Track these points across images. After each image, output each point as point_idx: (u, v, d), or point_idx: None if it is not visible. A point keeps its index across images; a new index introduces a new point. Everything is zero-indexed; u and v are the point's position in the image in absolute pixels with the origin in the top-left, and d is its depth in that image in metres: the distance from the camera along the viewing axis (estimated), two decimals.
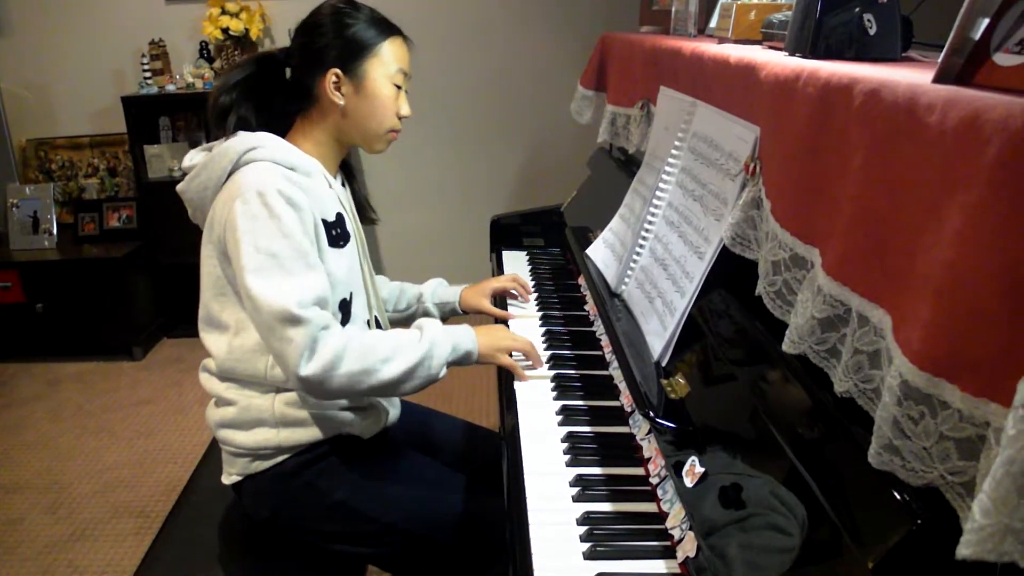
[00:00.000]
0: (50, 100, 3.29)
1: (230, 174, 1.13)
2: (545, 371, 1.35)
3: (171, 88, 3.05)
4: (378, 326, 1.35)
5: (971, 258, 0.52)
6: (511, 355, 1.31)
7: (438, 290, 1.58)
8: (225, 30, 3.00)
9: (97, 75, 3.24)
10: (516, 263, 1.93)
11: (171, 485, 2.26)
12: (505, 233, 2.05)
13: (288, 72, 1.23)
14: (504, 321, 1.55)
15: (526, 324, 1.54)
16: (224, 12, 3.00)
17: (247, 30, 3.01)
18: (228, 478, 1.22)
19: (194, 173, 1.17)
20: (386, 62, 1.22)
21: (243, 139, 1.15)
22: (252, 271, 1.06)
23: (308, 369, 1.05)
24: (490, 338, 1.28)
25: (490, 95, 3.26)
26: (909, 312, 0.59)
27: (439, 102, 3.20)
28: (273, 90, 1.24)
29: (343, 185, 1.32)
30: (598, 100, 2.02)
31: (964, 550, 0.45)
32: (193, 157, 1.21)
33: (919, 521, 0.58)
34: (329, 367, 1.06)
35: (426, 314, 1.54)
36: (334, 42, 1.19)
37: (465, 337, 1.24)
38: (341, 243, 1.20)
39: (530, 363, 1.33)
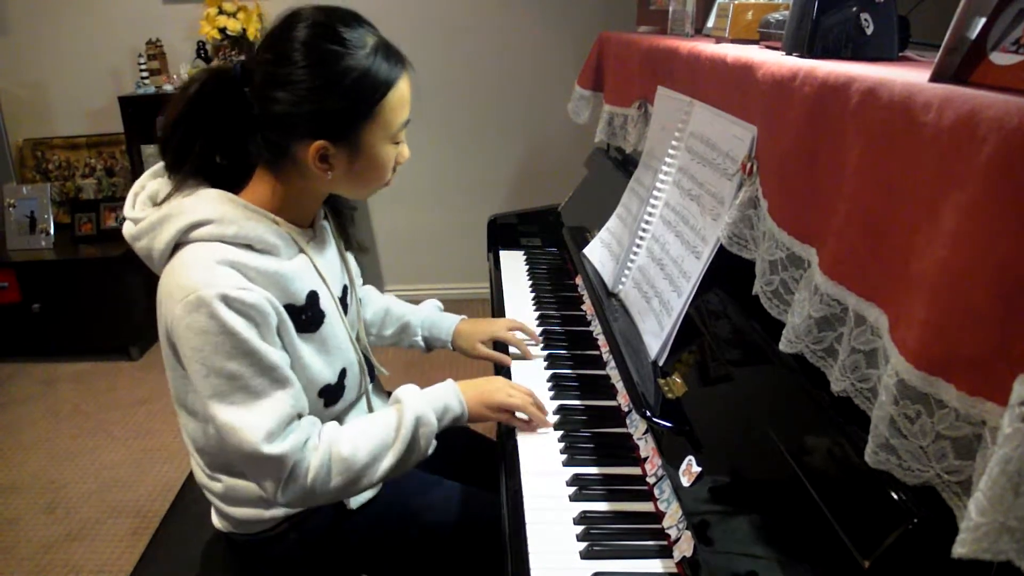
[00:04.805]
0: (47, 100, 3.29)
1: (176, 246, 0.96)
2: (543, 370, 1.35)
3: (168, 88, 3.04)
4: (370, 371, 1.20)
5: (967, 257, 0.51)
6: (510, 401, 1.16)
7: (427, 322, 1.42)
8: (222, 30, 3.00)
9: (94, 75, 3.23)
10: (513, 263, 1.93)
11: (168, 485, 2.25)
12: (502, 233, 2.05)
13: (248, 92, 0.95)
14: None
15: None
16: (221, 12, 3.00)
17: (244, 30, 3.01)
18: (217, 523, 1.17)
19: (137, 232, 0.98)
20: (389, 121, 0.96)
21: (191, 208, 0.94)
22: (211, 397, 0.91)
23: (288, 496, 0.97)
24: (479, 393, 1.14)
25: (487, 95, 3.25)
26: (905, 311, 0.58)
27: (436, 101, 3.20)
28: (233, 119, 0.96)
29: (325, 218, 1.13)
30: (595, 100, 2.02)
31: (960, 549, 0.45)
32: (138, 210, 1.01)
33: (915, 520, 0.58)
34: (311, 490, 0.97)
35: (412, 346, 1.43)
36: (318, 106, 0.91)
37: (451, 399, 1.10)
38: (312, 328, 1.03)
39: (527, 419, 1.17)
